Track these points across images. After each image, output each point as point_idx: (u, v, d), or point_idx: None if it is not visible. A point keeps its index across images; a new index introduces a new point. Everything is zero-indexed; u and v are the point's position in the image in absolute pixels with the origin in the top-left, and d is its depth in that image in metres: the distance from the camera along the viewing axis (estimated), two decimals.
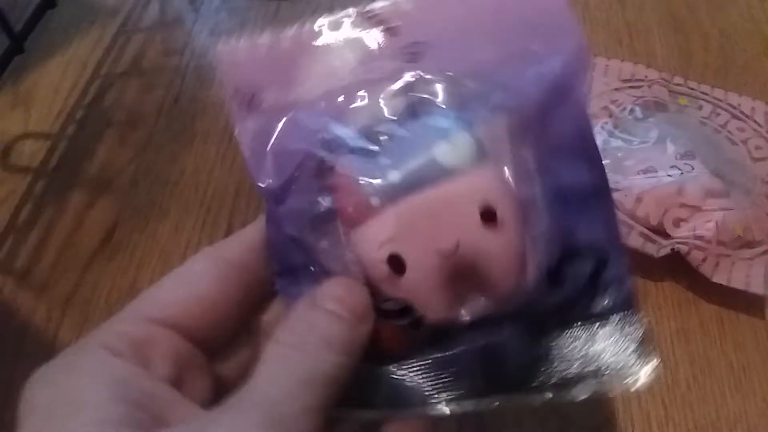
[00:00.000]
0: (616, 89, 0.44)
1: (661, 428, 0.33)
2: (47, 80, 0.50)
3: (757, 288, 0.36)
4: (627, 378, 0.22)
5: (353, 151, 0.23)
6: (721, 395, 0.34)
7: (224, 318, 0.22)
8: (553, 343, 0.23)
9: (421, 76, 0.24)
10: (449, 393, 0.21)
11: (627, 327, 0.23)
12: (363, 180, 0.22)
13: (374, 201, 0.22)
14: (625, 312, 0.23)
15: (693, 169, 0.38)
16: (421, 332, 0.22)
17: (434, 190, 0.22)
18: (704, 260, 0.36)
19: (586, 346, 0.23)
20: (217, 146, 0.46)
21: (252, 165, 0.23)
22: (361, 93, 0.24)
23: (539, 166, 0.24)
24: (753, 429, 0.33)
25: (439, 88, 0.24)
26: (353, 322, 0.20)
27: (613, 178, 0.39)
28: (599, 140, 0.41)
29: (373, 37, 0.25)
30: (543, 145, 0.24)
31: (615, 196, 0.38)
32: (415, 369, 0.22)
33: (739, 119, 0.42)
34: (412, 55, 0.25)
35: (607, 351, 0.22)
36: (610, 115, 0.43)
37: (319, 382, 0.19)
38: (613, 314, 0.23)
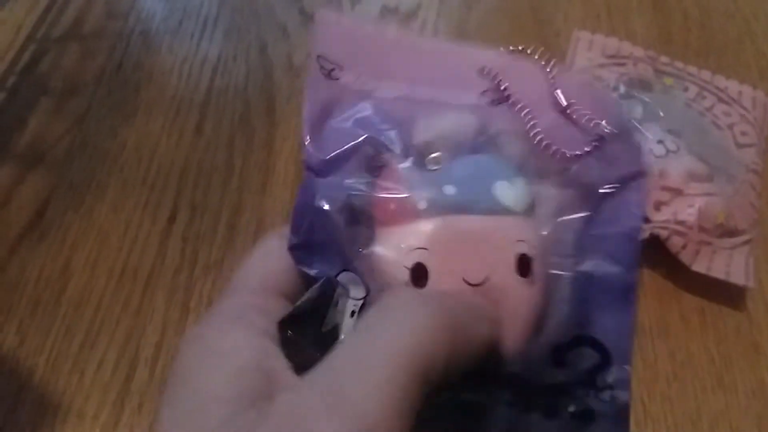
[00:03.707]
0: (600, 65, 0.41)
1: (640, 426, 0.31)
2: None
3: (737, 278, 0.34)
4: None
5: (412, 159, 0.24)
6: (703, 391, 0.32)
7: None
8: (531, 423, 0.22)
9: (498, 121, 0.25)
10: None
11: None
12: (413, 185, 0.23)
13: (421, 205, 0.22)
14: (615, 427, 0.23)
15: (678, 148, 0.35)
16: None
17: (480, 218, 0.22)
18: (684, 247, 0.34)
19: None
20: (163, 119, 0.42)
21: (308, 129, 0.24)
22: (438, 112, 0.25)
23: (578, 246, 0.24)
24: (736, 426, 0.31)
25: (509, 138, 0.25)
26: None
27: None
28: None
29: (469, 67, 0.27)
30: (589, 229, 0.24)
31: None
32: None
33: (726, 103, 0.40)
34: (496, 100, 0.26)
35: None
36: None
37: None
38: (602, 423, 0.22)
